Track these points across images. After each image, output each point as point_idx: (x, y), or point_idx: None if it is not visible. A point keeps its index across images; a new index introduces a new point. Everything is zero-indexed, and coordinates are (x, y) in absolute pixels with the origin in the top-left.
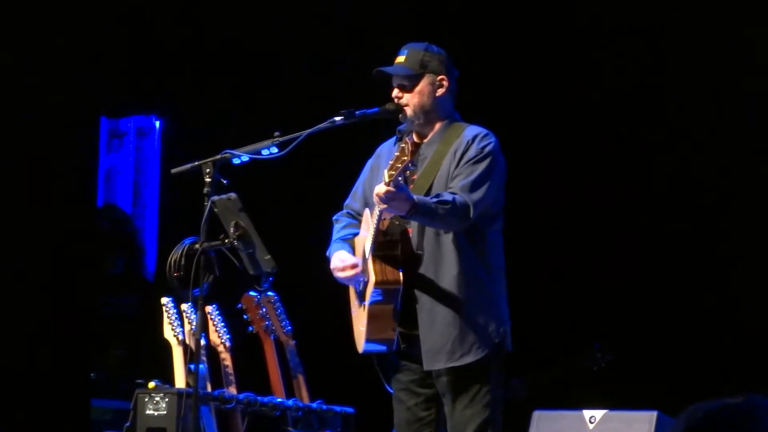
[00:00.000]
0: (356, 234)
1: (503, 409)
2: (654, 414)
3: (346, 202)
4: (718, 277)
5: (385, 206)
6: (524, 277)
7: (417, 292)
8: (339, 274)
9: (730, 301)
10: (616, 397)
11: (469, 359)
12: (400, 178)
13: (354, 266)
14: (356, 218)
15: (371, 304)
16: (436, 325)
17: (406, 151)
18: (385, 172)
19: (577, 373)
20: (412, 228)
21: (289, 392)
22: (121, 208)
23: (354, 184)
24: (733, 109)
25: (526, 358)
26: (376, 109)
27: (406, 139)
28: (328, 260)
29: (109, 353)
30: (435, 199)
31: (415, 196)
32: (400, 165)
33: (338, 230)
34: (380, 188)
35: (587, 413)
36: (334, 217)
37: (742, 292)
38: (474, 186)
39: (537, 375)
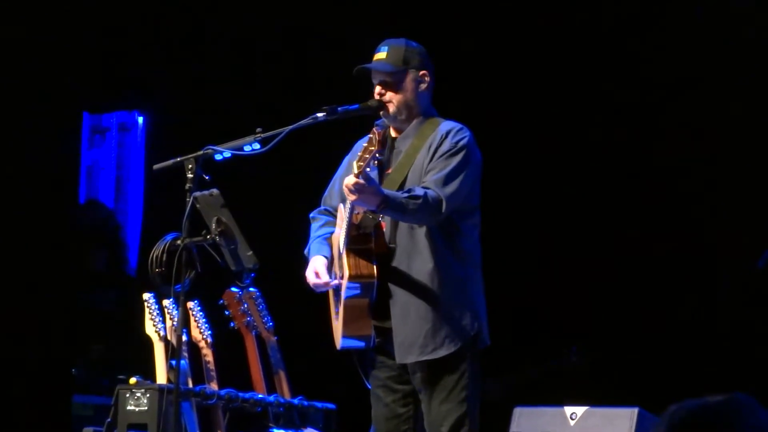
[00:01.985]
0: (333, 232)
1: (480, 406)
2: (635, 410)
3: (324, 196)
4: (698, 275)
5: (354, 197)
6: (504, 276)
7: (390, 286)
8: (312, 286)
9: (711, 299)
10: (597, 394)
11: (442, 353)
12: (368, 169)
13: (326, 284)
14: (333, 215)
15: (346, 298)
16: (409, 318)
17: (374, 140)
18: (354, 163)
19: (553, 375)
20: (385, 221)
21: (271, 388)
22: (104, 204)
23: (331, 179)
24: (718, 112)
25: (503, 358)
26: (357, 105)
27: (375, 129)
28: (305, 259)
29: (89, 349)
30: (406, 194)
31: (385, 191)
32: (368, 155)
33: (316, 229)
34: (349, 179)
35: (568, 409)
36: (311, 215)
37: (722, 289)
38: (447, 180)
39: (513, 376)
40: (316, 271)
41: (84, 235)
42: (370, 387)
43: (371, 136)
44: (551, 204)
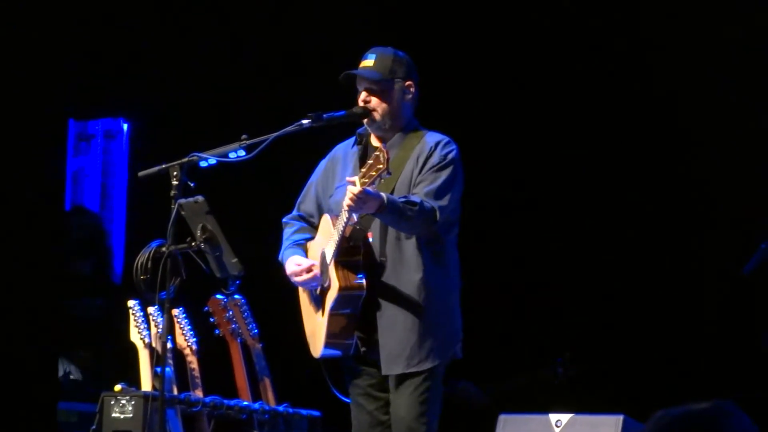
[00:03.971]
0: (309, 239)
1: (441, 410)
2: (620, 418)
3: (298, 201)
4: (683, 282)
5: (356, 207)
6: (488, 286)
7: (378, 299)
8: (296, 279)
9: (696, 306)
10: (582, 401)
11: (426, 365)
12: (372, 186)
13: (310, 269)
14: (308, 221)
15: (332, 309)
16: (396, 330)
17: (382, 159)
18: (357, 179)
19: (538, 385)
20: (373, 233)
21: (256, 395)
22: (91, 210)
23: (305, 184)
24: (709, 117)
25: (489, 367)
26: (343, 112)
27: (382, 146)
28: (281, 265)
29: (75, 355)
30: (403, 200)
31: (383, 195)
32: (374, 173)
33: (289, 235)
34: (352, 190)
35: (553, 417)
36: (285, 220)
37: (706, 297)
38: (439, 192)
39: (500, 384)
40: (296, 262)
41: (71, 242)
42: (338, 394)
43: (378, 153)
44: (539, 213)
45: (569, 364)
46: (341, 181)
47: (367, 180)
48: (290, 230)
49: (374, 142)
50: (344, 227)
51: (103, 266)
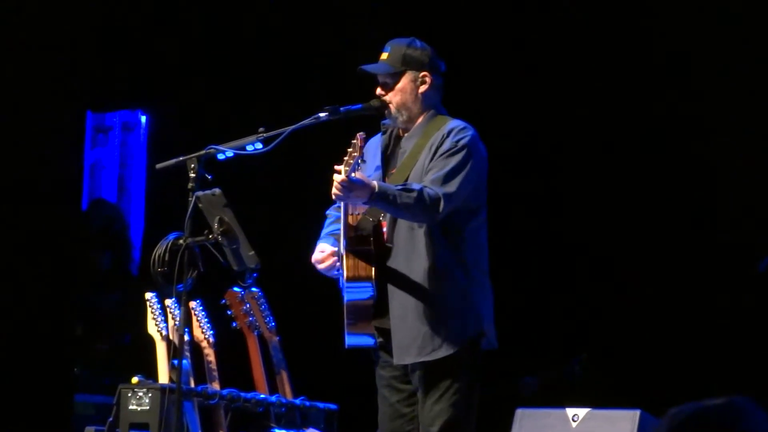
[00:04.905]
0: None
1: (477, 403)
2: (637, 412)
3: None
4: (700, 278)
5: (342, 195)
6: (512, 282)
7: (389, 286)
8: (319, 266)
9: (713, 302)
10: (599, 395)
11: (439, 354)
12: (353, 173)
13: (332, 254)
14: None
15: (346, 299)
16: (407, 319)
17: (356, 146)
18: (342, 167)
19: (556, 383)
20: (386, 221)
21: (273, 388)
22: (112, 203)
23: None
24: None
25: (505, 365)
26: (360, 105)
27: (357, 135)
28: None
29: (93, 348)
30: (399, 187)
31: (375, 183)
32: (351, 160)
33: (327, 225)
34: (336, 178)
35: (570, 411)
36: (327, 211)
37: (723, 294)
38: (446, 179)
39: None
40: (320, 249)
41: (91, 235)
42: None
43: (354, 141)
44: (560, 209)
45: (586, 365)
46: (368, 172)
47: (347, 168)
48: (328, 221)
49: (399, 132)
50: (345, 216)
51: (122, 259)
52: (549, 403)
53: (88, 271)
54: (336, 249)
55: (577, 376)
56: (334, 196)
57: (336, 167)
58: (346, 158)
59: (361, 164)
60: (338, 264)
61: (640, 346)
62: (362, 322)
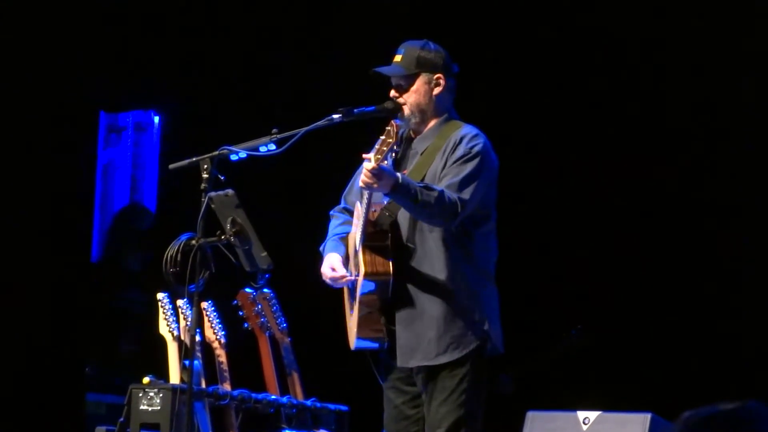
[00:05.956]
0: (350, 232)
1: (484, 407)
2: (648, 416)
3: (344, 193)
4: (715, 279)
5: (372, 183)
6: (511, 271)
7: (401, 287)
8: (327, 281)
9: (727, 304)
10: (610, 398)
11: (443, 359)
12: (386, 161)
13: (342, 277)
14: (352, 214)
15: (362, 295)
16: (414, 323)
17: (392, 133)
18: (372, 155)
19: (557, 358)
20: (403, 221)
21: (284, 389)
22: (147, 207)
23: (352, 176)
24: (727, 112)
25: (511, 354)
26: (374, 107)
27: (392, 122)
28: (321, 255)
29: (119, 349)
30: (421, 184)
31: (400, 175)
32: (385, 148)
33: (334, 227)
34: (367, 166)
35: (581, 414)
36: (331, 212)
37: (739, 295)
38: (462, 185)
39: (520, 367)
40: (332, 266)
41: (125, 237)
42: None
43: (389, 128)
44: (563, 199)
45: (584, 335)
46: None
47: (380, 156)
48: (335, 223)
49: (412, 134)
50: (366, 210)
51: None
52: (559, 403)
53: (119, 271)
54: (343, 270)
55: (577, 348)
56: (362, 184)
57: (364, 155)
58: (377, 146)
59: (396, 150)
60: (347, 280)
61: (652, 349)
62: (375, 321)
